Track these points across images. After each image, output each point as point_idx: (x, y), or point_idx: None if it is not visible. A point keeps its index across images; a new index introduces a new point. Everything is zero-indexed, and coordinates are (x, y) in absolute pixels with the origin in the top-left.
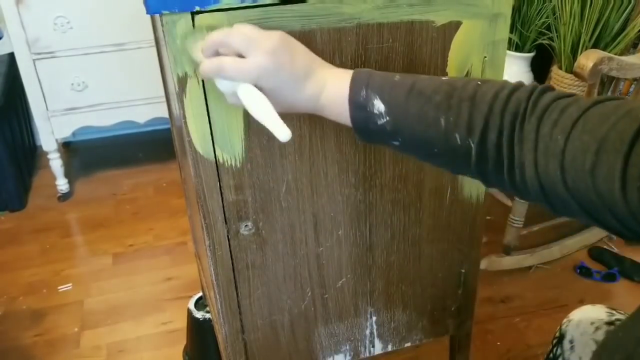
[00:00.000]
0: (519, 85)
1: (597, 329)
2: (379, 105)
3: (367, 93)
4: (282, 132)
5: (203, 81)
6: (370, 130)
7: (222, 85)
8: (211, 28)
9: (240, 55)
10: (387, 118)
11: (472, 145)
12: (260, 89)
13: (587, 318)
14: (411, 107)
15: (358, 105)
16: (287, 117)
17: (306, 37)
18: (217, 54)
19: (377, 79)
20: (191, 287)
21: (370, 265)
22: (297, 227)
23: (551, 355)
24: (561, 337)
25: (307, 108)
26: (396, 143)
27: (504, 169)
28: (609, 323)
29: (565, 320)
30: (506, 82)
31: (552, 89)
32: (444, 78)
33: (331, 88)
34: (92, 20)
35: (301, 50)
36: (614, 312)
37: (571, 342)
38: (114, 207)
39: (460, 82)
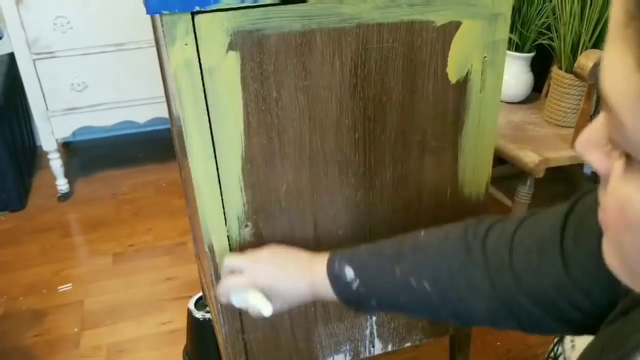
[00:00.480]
0: (452, 229)
1: None
2: (349, 272)
3: (339, 264)
4: (266, 308)
5: (203, 81)
6: (351, 298)
7: (237, 301)
8: None
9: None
10: (358, 280)
11: (427, 287)
12: (269, 292)
13: None
14: (372, 264)
15: (335, 276)
16: (288, 115)
17: (306, 37)
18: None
19: (347, 251)
20: (191, 287)
21: None
22: (297, 227)
23: (552, 354)
24: (562, 337)
25: (311, 299)
26: (374, 304)
27: (463, 299)
28: (609, 322)
29: None
30: (445, 228)
31: (483, 220)
32: (402, 235)
33: (318, 274)
34: (92, 20)
35: (289, 258)
36: None
37: (572, 341)
38: (114, 207)
39: (409, 236)
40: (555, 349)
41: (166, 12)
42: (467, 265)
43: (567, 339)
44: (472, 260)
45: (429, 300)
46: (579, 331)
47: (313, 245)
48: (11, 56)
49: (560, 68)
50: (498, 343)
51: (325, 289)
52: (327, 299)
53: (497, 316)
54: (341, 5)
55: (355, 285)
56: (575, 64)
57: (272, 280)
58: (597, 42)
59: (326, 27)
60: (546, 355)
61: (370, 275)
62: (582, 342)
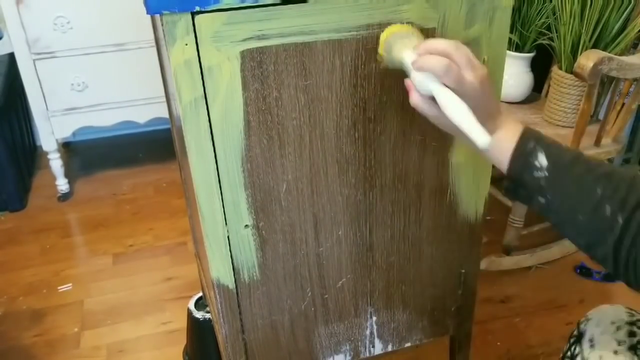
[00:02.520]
0: None
1: (618, 328)
2: (542, 160)
3: (535, 146)
4: (483, 138)
5: (203, 81)
6: (522, 180)
7: (421, 82)
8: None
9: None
10: (546, 173)
11: (619, 220)
12: None
13: (607, 317)
14: (573, 170)
15: (522, 153)
16: (288, 115)
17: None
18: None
19: (547, 139)
20: (191, 287)
21: (371, 266)
22: (297, 227)
23: (569, 353)
24: (580, 336)
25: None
26: (542, 200)
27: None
28: (631, 323)
29: (582, 319)
30: None
31: None
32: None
33: (503, 132)
34: (92, 20)
35: (494, 92)
36: (634, 312)
37: (591, 340)
38: (114, 207)
39: (620, 168)
40: (573, 348)
41: (166, 12)
42: None
43: (586, 338)
44: None
45: (609, 233)
46: None
47: (313, 245)
48: (11, 56)
49: (560, 68)
50: (498, 343)
51: (498, 152)
52: (491, 158)
53: None
54: (341, 5)
55: (539, 174)
56: (575, 64)
57: (476, 97)
58: (597, 42)
59: (326, 27)
60: (562, 354)
61: (564, 178)
62: (603, 341)
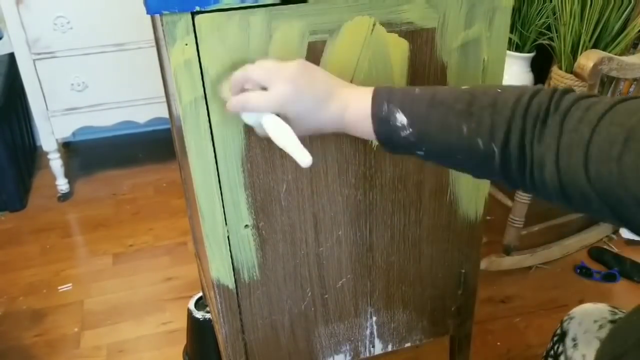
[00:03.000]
0: (539, 89)
1: (600, 327)
2: (401, 118)
3: (388, 107)
4: (304, 158)
5: (203, 81)
6: (395, 143)
7: (248, 118)
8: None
9: (264, 88)
10: (410, 130)
11: (495, 149)
12: (286, 116)
13: (590, 316)
14: (433, 117)
15: (381, 119)
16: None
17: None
18: (244, 90)
19: (397, 94)
20: (191, 287)
21: (370, 266)
22: (297, 227)
23: (552, 352)
24: (563, 335)
25: (333, 128)
26: (421, 153)
27: (526, 169)
28: (613, 322)
29: (566, 317)
30: (526, 87)
31: (572, 90)
32: (463, 87)
33: (353, 106)
34: (92, 20)
35: (320, 74)
36: (616, 310)
37: (574, 339)
38: (114, 207)
39: (480, 90)
40: (556, 347)
41: (166, 12)
42: (542, 134)
43: (569, 336)
44: (547, 132)
45: (491, 162)
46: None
47: (313, 245)
48: (11, 56)
49: (560, 68)
50: (498, 343)
51: (360, 126)
52: (356, 135)
53: (548, 191)
54: (342, 5)
55: (405, 133)
56: (575, 64)
57: (300, 109)
58: (597, 42)
59: (326, 27)
60: (545, 353)
61: (428, 128)
62: (586, 340)
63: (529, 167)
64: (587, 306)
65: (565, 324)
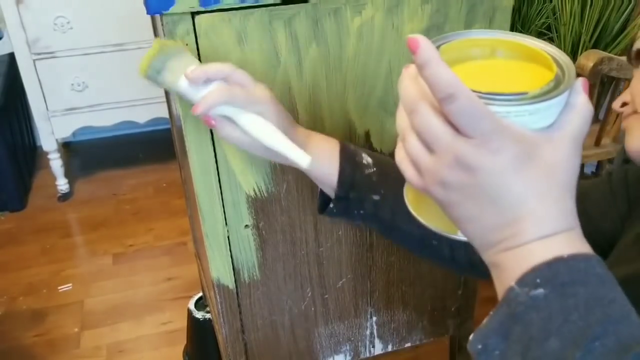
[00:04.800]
0: None
1: None
2: (367, 158)
3: (354, 147)
4: (304, 159)
5: None
6: (354, 182)
7: (215, 111)
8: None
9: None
10: (375, 169)
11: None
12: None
13: None
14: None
15: (348, 155)
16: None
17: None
18: (205, 83)
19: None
20: (191, 287)
21: (371, 266)
22: (297, 227)
23: None
24: None
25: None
26: (376, 197)
27: None
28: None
29: None
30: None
31: None
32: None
33: (318, 138)
34: (92, 20)
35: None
36: None
37: None
38: (114, 207)
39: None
40: None
41: (166, 12)
42: None
43: None
44: None
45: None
46: None
47: (313, 245)
48: (11, 56)
49: None
50: None
51: (323, 158)
52: (314, 167)
53: None
54: (342, 5)
55: (369, 171)
56: (576, 64)
57: (275, 105)
58: (597, 42)
59: (327, 27)
60: None
61: (389, 171)
62: None
63: None
64: None
65: None
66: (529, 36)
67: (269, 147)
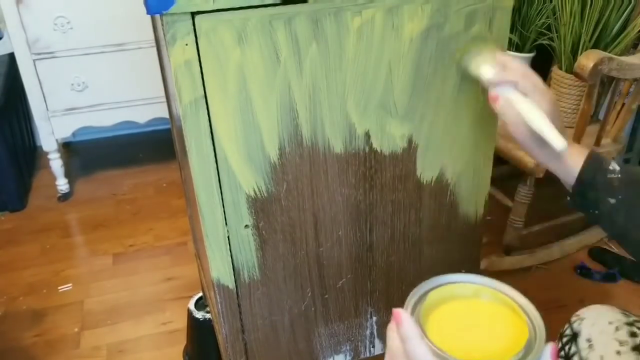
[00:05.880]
0: None
1: (617, 328)
2: (614, 165)
3: (604, 157)
4: (561, 142)
5: (203, 81)
6: (594, 182)
7: (504, 92)
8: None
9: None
10: (619, 175)
11: None
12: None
13: (603, 317)
14: None
15: (595, 158)
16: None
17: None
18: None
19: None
20: (191, 287)
21: (371, 266)
22: (297, 227)
23: (562, 352)
24: (575, 335)
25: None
26: (612, 201)
27: None
28: (629, 324)
29: (575, 319)
30: None
31: None
32: None
33: (576, 144)
34: (92, 20)
35: (559, 115)
36: (627, 312)
37: (589, 340)
38: (114, 207)
39: None
40: (567, 347)
41: (166, 12)
42: None
43: (583, 337)
44: None
45: None
46: None
47: (313, 245)
48: (11, 56)
49: (560, 68)
50: None
51: (570, 159)
52: (550, 164)
53: None
54: (342, 5)
55: (611, 175)
56: (576, 64)
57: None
58: (597, 42)
59: (327, 26)
60: None
61: (636, 184)
62: (603, 342)
63: None
64: (596, 307)
65: (575, 325)
66: (507, 286)
67: (533, 127)
